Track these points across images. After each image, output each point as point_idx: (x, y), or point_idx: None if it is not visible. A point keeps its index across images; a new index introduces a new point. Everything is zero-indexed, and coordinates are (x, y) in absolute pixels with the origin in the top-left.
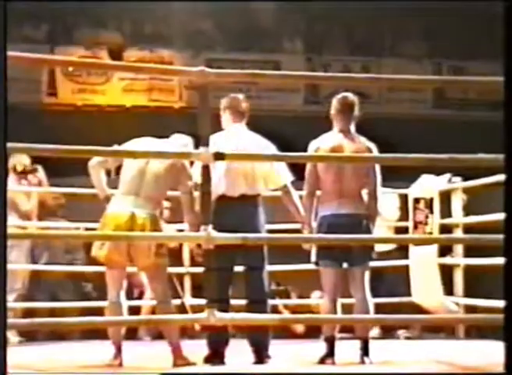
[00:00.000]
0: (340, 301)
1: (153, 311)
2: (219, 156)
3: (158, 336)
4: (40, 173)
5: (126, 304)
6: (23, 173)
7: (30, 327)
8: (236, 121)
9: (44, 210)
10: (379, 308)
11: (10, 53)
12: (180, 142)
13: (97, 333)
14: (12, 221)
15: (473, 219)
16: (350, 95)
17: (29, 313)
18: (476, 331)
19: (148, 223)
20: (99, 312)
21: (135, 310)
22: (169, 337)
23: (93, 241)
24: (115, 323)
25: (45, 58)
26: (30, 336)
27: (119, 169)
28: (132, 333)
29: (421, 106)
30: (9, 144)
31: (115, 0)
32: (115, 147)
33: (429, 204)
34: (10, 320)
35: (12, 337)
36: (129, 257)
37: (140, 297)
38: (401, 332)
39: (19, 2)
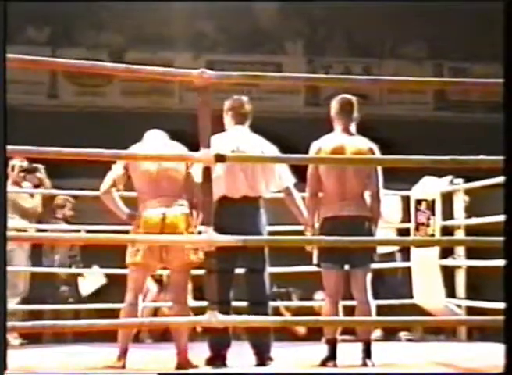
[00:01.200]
0: (342, 303)
1: (155, 313)
2: (220, 158)
3: (159, 338)
4: (42, 172)
5: (141, 307)
6: (23, 173)
7: (32, 330)
8: (238, 123)
9: (46, 210)
10: (381, 310)
11: (12, 56)
12: (160, 138)
13: (97, 336)
14: (14, 222)
15: (475, 220)
16: (349, 96)
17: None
18: (478, 333)
19: (179, 221)
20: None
21: None
22: (178, 340)
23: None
24: (114, 325)
25: (46, 61)
26: (31, 338)
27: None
28: (133, 336)
29: (422, 108)
30: (9, 147)
31: (116, 0)
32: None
33: (431, 205)
34: (12, 322)
35: (12, 339)
36: (161, 258)
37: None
38: (403, 334)
39: (21, 5)
